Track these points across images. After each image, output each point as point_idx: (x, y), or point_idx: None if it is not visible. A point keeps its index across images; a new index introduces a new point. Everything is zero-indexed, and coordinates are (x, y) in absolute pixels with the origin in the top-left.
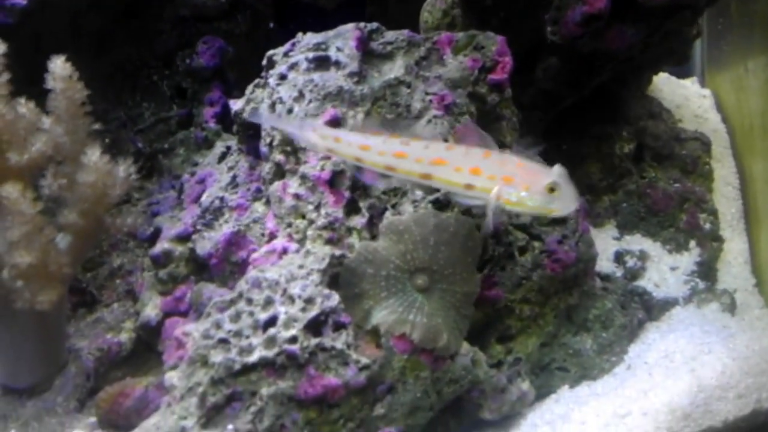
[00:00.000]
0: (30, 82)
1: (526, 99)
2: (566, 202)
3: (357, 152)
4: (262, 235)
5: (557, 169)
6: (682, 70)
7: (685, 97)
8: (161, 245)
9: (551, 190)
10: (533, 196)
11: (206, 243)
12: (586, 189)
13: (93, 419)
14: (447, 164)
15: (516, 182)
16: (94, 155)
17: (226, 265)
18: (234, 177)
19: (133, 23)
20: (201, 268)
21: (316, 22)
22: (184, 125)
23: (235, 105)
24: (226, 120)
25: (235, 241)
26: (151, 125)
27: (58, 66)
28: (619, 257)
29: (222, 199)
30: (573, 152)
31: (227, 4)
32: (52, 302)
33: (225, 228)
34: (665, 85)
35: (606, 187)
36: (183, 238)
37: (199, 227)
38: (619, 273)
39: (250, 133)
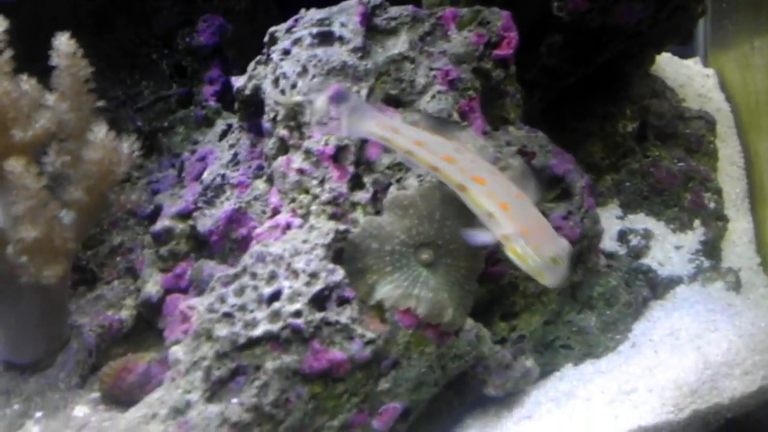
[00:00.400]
0: (29, 62)
1: (528, 77)
2: (557, 277)
3: (411, 146)
4: (263, 212)
5: (565, 244)
6: (683, 51)
7: (688, 76)
8: (162, 222)
9: (553, 261)
10: (536, 258)
11: (207, 220)
12: (588, 168)
13: (95, 395)
14: (484, 185)
15: (529, 238)
16: (100, 132)
17: (227, 242)
18: (235, 154)
19: (132, 2)
20: (201, 245)
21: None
22: (184, 104)
23: (237, 82)
24: (226, 98)
25: (236, 218)
26: (150, 104)
27: (63, 43)
28: (622, 236)
29: (223, 176)
30: (575, 131)
31: None
32: (58, 277)
33: (226, 205)
34: (668, 65)
35: (608, 166)
36: (184, 215)
37: (200, 204)
38: (622, 252)
39: (251, 111)
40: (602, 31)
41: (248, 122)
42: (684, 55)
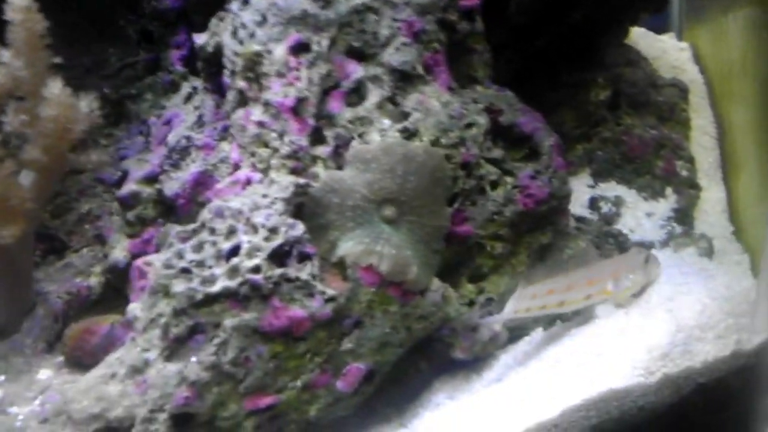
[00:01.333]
0: None
1: (496, 39)
2: (658, 266)
3: (547, 300)
4: (229, 174)
5: (637, 249)
6: (659, 27)
7: (662, 50)
8: (129, 187)
9: (646, 261)
10: (638, 275)
11: (174, 183)
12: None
13: (61, 359)
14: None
15: (621, 274)
16: (55, 88)
17: (193, 206)
18: (200, 116)
19: None
20: (169, 210)
21: None
22: (151, 70)
23: (199, 39)
24: (193, 63)
25: (203, 180)
26: (117, 71)
27: None
28: (593, 203)
29: (188, 138)
30: (546, 100)
31: None
32: (14, 237)
33: (192, 167)
34: (642, 39)
35: (580, 135)
36: (150, 179)
37: (166, 167)
38: (593, 219)
39: (214, 70)
40: None
41: (212, 83)
42: (659, 30)
